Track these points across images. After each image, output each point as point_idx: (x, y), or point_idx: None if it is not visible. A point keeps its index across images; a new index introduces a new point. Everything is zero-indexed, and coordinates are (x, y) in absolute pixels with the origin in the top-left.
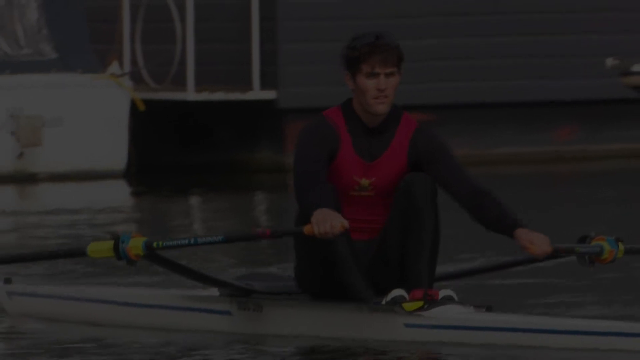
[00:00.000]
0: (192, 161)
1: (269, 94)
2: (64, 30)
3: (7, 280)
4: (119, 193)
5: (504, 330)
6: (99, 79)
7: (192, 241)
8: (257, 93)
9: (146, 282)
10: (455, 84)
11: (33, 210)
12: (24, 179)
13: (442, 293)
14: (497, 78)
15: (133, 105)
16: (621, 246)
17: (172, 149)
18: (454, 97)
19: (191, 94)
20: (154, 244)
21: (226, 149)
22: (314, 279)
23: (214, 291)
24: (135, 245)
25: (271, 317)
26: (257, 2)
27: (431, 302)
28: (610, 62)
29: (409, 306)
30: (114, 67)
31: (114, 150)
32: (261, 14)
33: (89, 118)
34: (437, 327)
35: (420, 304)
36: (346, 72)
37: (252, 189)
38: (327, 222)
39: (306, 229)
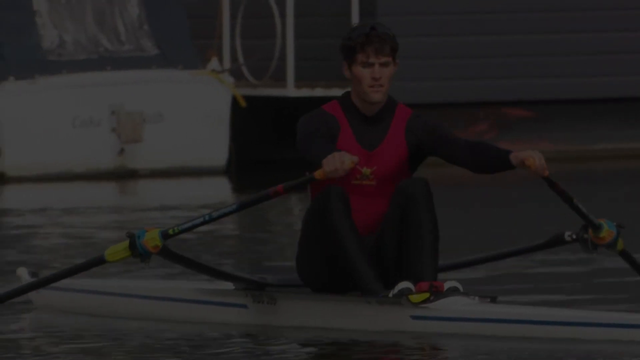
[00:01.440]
0: (291, 157)
1: None
2: (165, 26)
3: (34, 274)
4: (220, 189)
5: (510, 322)
6: (200, 75)
7: (206, 218)
8: None
9: (163, 275)
10: (555, 79)
11: (133, 206)
12: (125, 176)
13: (448, 284)
14: (597, 74)
15: (233, 102)
16: (620, 238)
17: (271, 145)
18: (553, 92)
19: (291, 90)
20: (170, 231)
21: None
22: (318, 273)
23: (229, 285)
24: (152, 236)
25: (284, 309)
26: None
27: (437, 293)
28: None
29: (415, 298)
30: (214, 63)
31: (215, 146)
32: (361, 8)
33: (189, 114)
34: (443, 319)
35: (426, 295)
36: (344, 61)
37: None
38: (336, 159)
39: (317, 174)
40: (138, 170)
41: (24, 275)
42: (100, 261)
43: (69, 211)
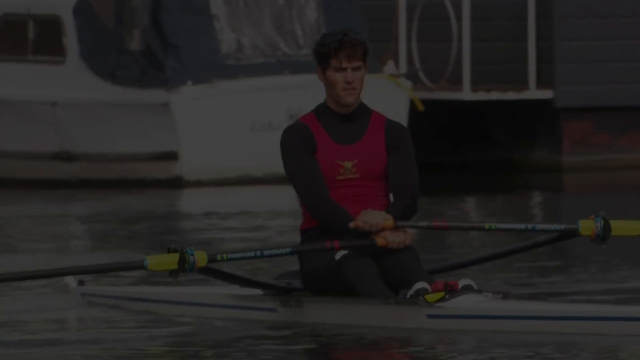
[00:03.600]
0: (466, 160)
1: (545, 93)
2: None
3: (81, 283)
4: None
5: (522, 319)
6: (378, 78)
7: (257, 254)
8: (533, 92)
9: (196, 281)
10: None
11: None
12: None
13: (462, 283)
14: None
15: (410, 105)
16: (616, 225)
17: (447, 148)
18: None
19: (467, 94)
20: (218, 257)
21: (502, 148)
22: (327, 289)
23: (258, 291)
24: (201, 257)
25: (310, 311)
26: (534, 0)
27: (451, 292)
28: None
29: (430, 297)
30: (390, 67)
31: None
32: (537, 12)
33: None
34: (457, 317)
35: (441, 294)
36: (317, 67)
37: (528, 189)
38: (400, 234)
39: (379, 242)
40: None
41: (70, 283)
42: (139, 267)
43: (247, 215)
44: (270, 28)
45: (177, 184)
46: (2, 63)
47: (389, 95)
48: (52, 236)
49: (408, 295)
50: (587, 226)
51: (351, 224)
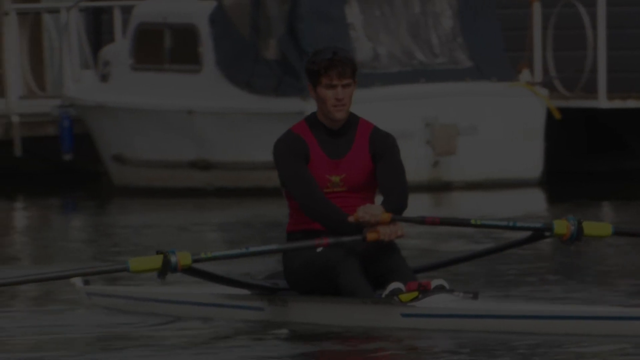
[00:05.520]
0: (601, 169)
1: None
2: (479, 38)
3: (86, 282)
4: (535, 201)
5: (492, 317)
6: (515, 87)
7: (243, 251)
8: None
9: (183, 281)
10: None
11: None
12: (439, 188)
13: (435, 282)
14: None
15: (547, 113)
16: (593, 225)
17: (583, 156)
18: None
19: (603, 102)
20: (202, 254)
21: (638, 157)
22: (309, 284)
23: (246, 291)
24: (184, 256)
25: (294, 310)
26: None
27: (425, 292)
28: None
29: (405, 297)
30: (525, 75)
31: (529, 158)
32: None
33: (503, 126)
34: (430, 316)
35: (415, 294)
36: (308, 83)
37: None
38: (391, 228)
39: (370, 236)
40: (452, 182)
41: (77, 282)
42: (121, 269)
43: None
44: (406, 37)
45: None
46: (139, 72)
47: (525, 103)
48: (189, 244)
49: (383, 295)
50: (562, 225)
51: (351, 218)
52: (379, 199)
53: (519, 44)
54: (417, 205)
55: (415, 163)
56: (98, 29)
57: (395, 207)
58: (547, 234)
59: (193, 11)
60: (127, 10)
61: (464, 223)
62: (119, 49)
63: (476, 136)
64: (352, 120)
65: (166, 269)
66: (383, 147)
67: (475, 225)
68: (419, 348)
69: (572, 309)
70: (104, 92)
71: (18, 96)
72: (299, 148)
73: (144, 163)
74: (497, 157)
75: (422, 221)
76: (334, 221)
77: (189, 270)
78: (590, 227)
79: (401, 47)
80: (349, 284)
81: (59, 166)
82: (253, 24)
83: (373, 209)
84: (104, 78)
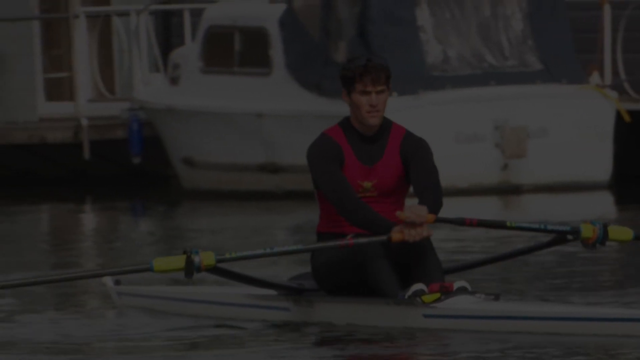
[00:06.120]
0: None
1: None
2: (549, 41)
3: (117, 282)
4: (604, 204)
5: (512, 319)
6: (584, 89)
7: (267, 251)
8: None
9: (213, 282)
10: None
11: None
12: (509, 191)
13: (457, 284)
14: None
15: (617, 116)
16: (617, 230)
17: None
18: None
19: None
20: (227, 254)
21: None
22: (336, 282)
23: (272, 292)
24: (207, 256)
25: (320, 311)
26: None
27: (447, 293)
28: None
29: (427, 298)
30: (595, 78)
31: (599, 161)
32: None
33: (573, 129)
34: (451, 317)
35: (437, 295)
36: (343, 89)
37: None
38: (417, 233)
39: (394, 237)
40: (522, 185)
41: (108, 282)
42: (145, 269)
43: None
44: (477, 39)
45: None
46: (208, 75)
47: (595, 106)
48: (259, 247)
49: (406, 296)
50: (589, 229)
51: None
52: (407, 202)
53: (589, 47)
54: (486, 208)
55: (485, 166)
56: (168, 32)
57: (432, 207)
58: (569, 237)
59: (263, 14)
60: (196, 13)
61: (500, 225)
62: (189, 52)
63: (546, 139)
64: (385, 126)
65: (190, 269)
66: (414, 151)
67: (510, 227)
68: (441, 350)
69: (594, 310)
70: (173, 95)
71: (87, 99)
72: (335, 152)
73: (213, 166)
74: (567, 160)
75: (462, 222)
76: (368, 221)
77: (215, 270)
78: (614, 232)
79: (471, 50)
80: (375, 275)
81: (128, 169)
82: (323, 26)
83: (419, 210)
84: (174, 81)
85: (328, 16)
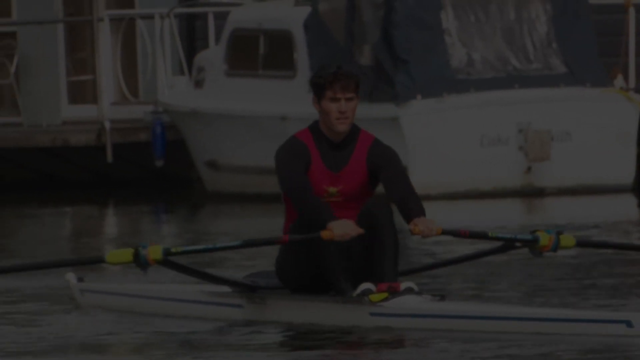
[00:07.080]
0: None
1: None
2: (573, 44)
3: (80, 279)
4: (627, 207)
5: (456, 318)
6: (608, 92)
7: (209, 246)
8: None
9: (170, 279)
10: None
11: (540, 225)
12: (532, 194)
13: (404, 285)
14: None
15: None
16: (565, 238)
17: None
18: None
19: None
20: (172, 249)
21: None
22: (298, 277)
23: (226, 288)
24: (154, 250)
25: (272, 308)
26: None
27: (394, 293)
28: None
29: (374, 297)
30: (619, 81)
31: (622, 164)
32: None
33: (597, 132)
34: (397, 316)
35: (384, 295)
36: (314, 96)
37: None
38: (346, 228)
39: (324, 234)
40: (545, 188)
41: (71, 279)
42: (99, 260)
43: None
44: (501, 42)
45: None
46: (233, 78)
47: (619, 109)
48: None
49: (354, 295)
50: (546, 238)
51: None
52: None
53: (613, 50)
54: (509, 211)
55: (508, 169)
56: (192, 35)
57: (423, 214)
58: (517, 244)
59: (288, 17)
60: (220, 17)
61: (483, 235)
62: (213, 55)
63: (569, 142)
64: (354, 133)
65: (138, 262)
66: (383, 159)
67: (492, 238)
68: (387, 346)
69: (536, 310)
70: (197, 98)
71: (111, 102)
72: (302, 153)
73: (237, 169)
74: (590, 163)
75: (457, 233)
76: (315, 208)
77: (167, 264)
78: (565, 240)
79: (496, 53)
80: (323, 265)
81: (151, 172)
82: (348, 29)
83: (431, 224)
84: (198, 84)
85: (353, 19)
